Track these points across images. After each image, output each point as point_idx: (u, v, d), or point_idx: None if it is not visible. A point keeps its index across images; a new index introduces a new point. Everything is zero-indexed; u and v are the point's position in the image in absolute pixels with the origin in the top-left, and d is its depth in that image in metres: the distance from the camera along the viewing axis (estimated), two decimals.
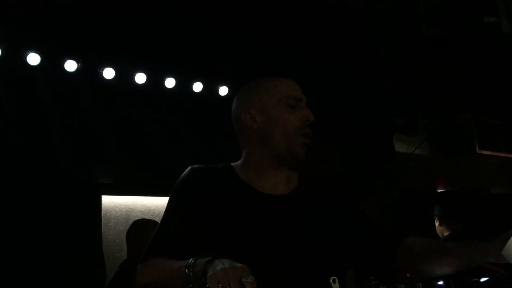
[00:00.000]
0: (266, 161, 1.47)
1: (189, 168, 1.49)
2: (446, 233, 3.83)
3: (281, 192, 1.46)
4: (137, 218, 4.16)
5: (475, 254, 1.28)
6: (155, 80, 3.88)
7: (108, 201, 4.35)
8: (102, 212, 4.25)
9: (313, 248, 1.36)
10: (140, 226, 3.00)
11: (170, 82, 3.92)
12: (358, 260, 1.50)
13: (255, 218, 1.38)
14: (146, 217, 4.22)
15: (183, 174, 1.48)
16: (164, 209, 1.46)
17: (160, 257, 1.33)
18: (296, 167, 1.57)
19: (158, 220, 1.47)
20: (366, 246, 1.47)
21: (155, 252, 1.36)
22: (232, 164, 1.54)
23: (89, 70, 3.64)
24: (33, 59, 3.44)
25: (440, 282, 0.94)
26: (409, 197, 5.43)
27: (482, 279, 1.03)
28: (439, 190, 7.04)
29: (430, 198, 6.67)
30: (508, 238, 1.10)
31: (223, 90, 4.08)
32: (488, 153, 5.98)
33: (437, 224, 3.95)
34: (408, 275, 1.66)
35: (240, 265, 1.09)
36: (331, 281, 0.89)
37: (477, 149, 5.89)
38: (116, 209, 4.39)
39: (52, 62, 3.53)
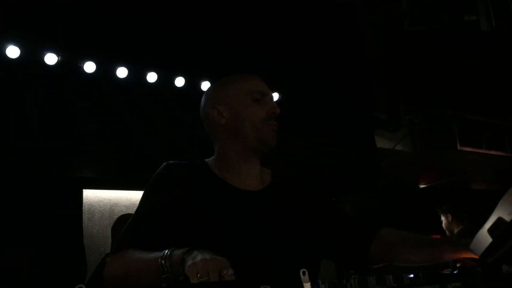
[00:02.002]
0: (238, 155, 1.49)
1: (164, 164, 1.50)
2: (456, 229, 3.95)
3: (255, 187, 1.48)
4: (122, 213, 4.21)
5: (447, 248, 1.32)
6: (136, 75, 3.85)
7: (92, 195, 4.33)
8: (86, 207, 4.24)
9: (285, 242, 1.38)
10: (125, 220, 2.97)
11: (152, 77, 3.89)
12: (332, 251, 1.52)
13: (228, 213, 1.39)
14: (130, 211, 4.15)
15: (158, 169, 1.49)
16: None
17: (132, 249, 1.32)
18: (277, 163, 1.59)
19: None
20: (339, 237, 1.51)
21: (127, 243, 1.36)
22: (206, 160, 1.55)
23: (70, 63, 3.60)
24: (13, 52, 3.39)
25: (411, 275, 0.96)
26: (392, 193, 5.49)
27: (452, 272, 1.05)
28: (422, 186, 7.12)
29: (412, 193, 6.76)
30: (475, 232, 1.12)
31: (205, 85, 4.07)
32: (469, 149, 6.06)
33: (447, 220, 4.05)
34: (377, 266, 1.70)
35: (220, 257, 1.09)
36: (300, 273, 0.89)
37: (458, 145, 5.96)
38: (101, 203, 4.37)
39: (31, 56, 3.48)
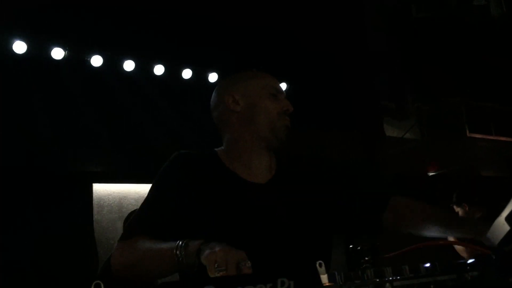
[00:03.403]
0: (249, 145, 1.48)
1: (175, 153, 1.50)
2: (476, 217, 3.92)
3: (264, 178, 1.48)
4: (131, 206, 4.29)
5: (460, 227, 1.34)
6: (144, 67, 3.84)
7: (101, 189, 4.35)
8: (96, 200, 4.27)
9: (292, 235, 1.37)
10: None
11: (159, 69, 3.88)
12: (344, 223, 1.53)
13: (234, 206, 1.39)
14: (139, 204, 4.23)
15: (169, 159, 1.49)
16: None
17: (141, 236, 1.32)
18: (284, 154, 1.58)
19: None
20: (351, 208, 1.50)
21: (137, 230, 1.35)
22: (216, 149, 1.54)
23: (77, 57, 3.59)
24: (20, 47, 3.39)
25: (427, 265, 0.95)
26: (401, 181, 5.46)
27: (469, 261, 1.03)
28: (430, 174, 7.09)
29: (421, 181, 6.73)
30: (493, 221, 1.11)
31: (213, 77, 4.05)
32: (478, 136, 6.02)
33: (465, 210, 4.03)
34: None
35: (237, 250, 1.09)
36: (317, 265, 0.88)
37: (467, 132, 5.93)
38: (110, 197, 4.39)
39: (39, 51, 3.48)
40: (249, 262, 1.05)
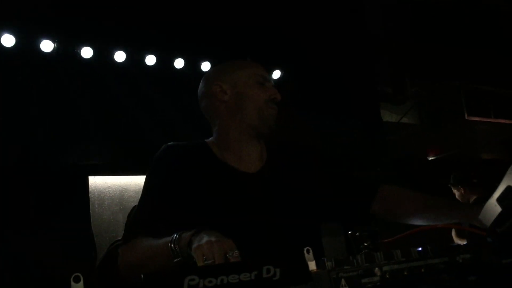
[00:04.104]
0: (238, 134, 1.49)
1: (164, 146, 1.50)
2: (472, 199, 3.93)
3: (255, 167, 1.49)
4: (131, 198, 4.31)
5: (450, 213, 1.35)
6: (135, 58, 3.80)
7: (101, 182, 4.35)
8: (96, 193, 4.27)
9: (284, 222, 1.38)
10: None
11: (150, 59, 3.84)
12: (334, 212, 1.54)
13: (225, 195, 1.39)
14: (139, 196, 4.28)
15: (158, 151, 1.49)
16: None
17: (141, 237, 1.32)
18: (279, 141, 1.59)
19: None
20: (340, 196, 1.52)
21: (136, 232, 1.36)
22: (206, 140, 1.54)
23: (66, 49, 3.55)
24: (8, 40, 3.35)
25: (419, 249, 0.93)
26: (400, 167, 5.44)
27: (461, 243, 1.01)
28: (430, 158, 7.07)
29: (421, 166, 6.72)
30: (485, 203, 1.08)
31: (205, 66, 4.01)
32: (477, 119, 6.00)
33: (460, 192, 4.02)
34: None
35: (226, 239, 1.09)
36: (304, 251, 0.86)
37: (466, 115, 5.90)
38: (110, 189, 4.39)
39: (27, 43, 3.44)
40: (236, 252, 1.05)
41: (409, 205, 1.46)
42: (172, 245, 1.16)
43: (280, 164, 1.51)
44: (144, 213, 1.41)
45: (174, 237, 1.17)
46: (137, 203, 1.47)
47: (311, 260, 0.87)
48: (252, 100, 1.48)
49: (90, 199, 3.98)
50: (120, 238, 2.96)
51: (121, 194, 4.42)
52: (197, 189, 1.39)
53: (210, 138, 1.55)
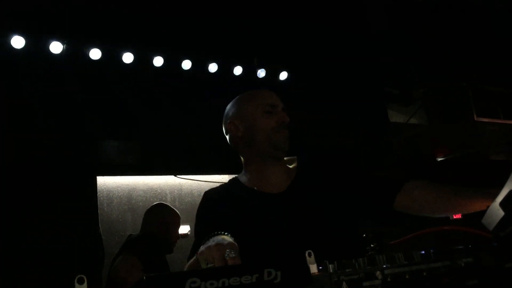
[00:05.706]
0: (257, 162, 1.65)
1: (203, 194, 1.68)
2: None
3: (281, 187, 1.62)
4: (140, 197, 4.45)
5: (471, 204, 1.37)
6: (143, 59, 3.82)
7: (110, 181, 4.38)
8: (105, 192, 4.31)
9: (303, 242, 1.44)
10: (158, 209, 3.37)
11: (158, 61, 3.85)
12: (360, 210, 1.61)
13: (255, 217, 1.54)
14: (148, 196, 4.47)
15: (200, 201, 1.68)
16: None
17: None
18: (304, 157, 1.73)
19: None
20: (365, 195, 1.59)
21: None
22: (237, 176, 1.73)
23: (75, 51, 3.58)
24: (18, 42, 3.37)
25: (422, 252, 0.93)
26: (409, 167, 5.41)
27: (464, 246, 1.01)
28: (439, 159, 7.03)
29: (429, 167, 6.68)
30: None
31: (213, 67, 4.02)
32: (486, 120, 5.94)
33: None
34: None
35: (227, 241, 1.14)
36: (306, 254, 0.87)
37: (475, 116, 5.85)
38: (119, 189, 4.42)
39: (37, 45, 3.46)
40: (233, 252, 1.10)
41: (433, 196, 1.49)
42: (199, 256, 1.24)
43: (309, 178, 1.63)
44: (192, 255, 1.50)
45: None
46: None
47: (312, 263, 0.88)
48: (260, 130, 1.62)
49: (98, 198, 4.01)
50: (139, 233, 3.14)
51: (129, 194, 4.45)
52: (232, 219, 1.53)
53: (241, 173, 1.72)
